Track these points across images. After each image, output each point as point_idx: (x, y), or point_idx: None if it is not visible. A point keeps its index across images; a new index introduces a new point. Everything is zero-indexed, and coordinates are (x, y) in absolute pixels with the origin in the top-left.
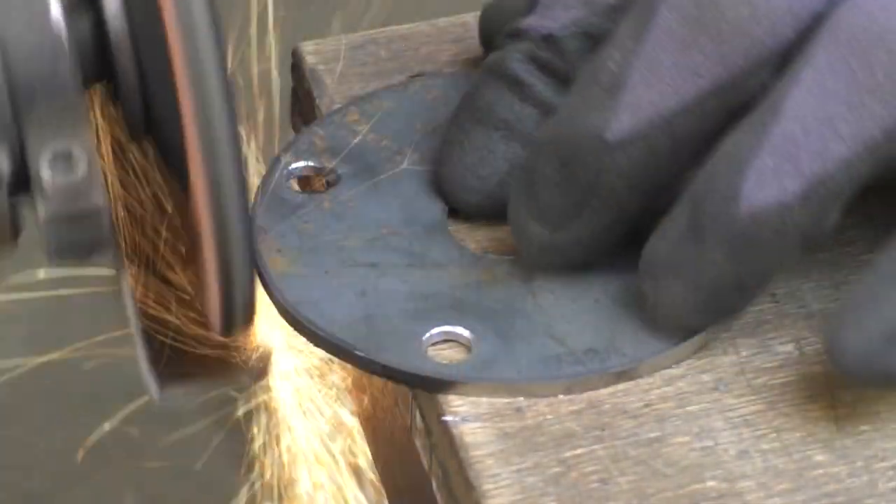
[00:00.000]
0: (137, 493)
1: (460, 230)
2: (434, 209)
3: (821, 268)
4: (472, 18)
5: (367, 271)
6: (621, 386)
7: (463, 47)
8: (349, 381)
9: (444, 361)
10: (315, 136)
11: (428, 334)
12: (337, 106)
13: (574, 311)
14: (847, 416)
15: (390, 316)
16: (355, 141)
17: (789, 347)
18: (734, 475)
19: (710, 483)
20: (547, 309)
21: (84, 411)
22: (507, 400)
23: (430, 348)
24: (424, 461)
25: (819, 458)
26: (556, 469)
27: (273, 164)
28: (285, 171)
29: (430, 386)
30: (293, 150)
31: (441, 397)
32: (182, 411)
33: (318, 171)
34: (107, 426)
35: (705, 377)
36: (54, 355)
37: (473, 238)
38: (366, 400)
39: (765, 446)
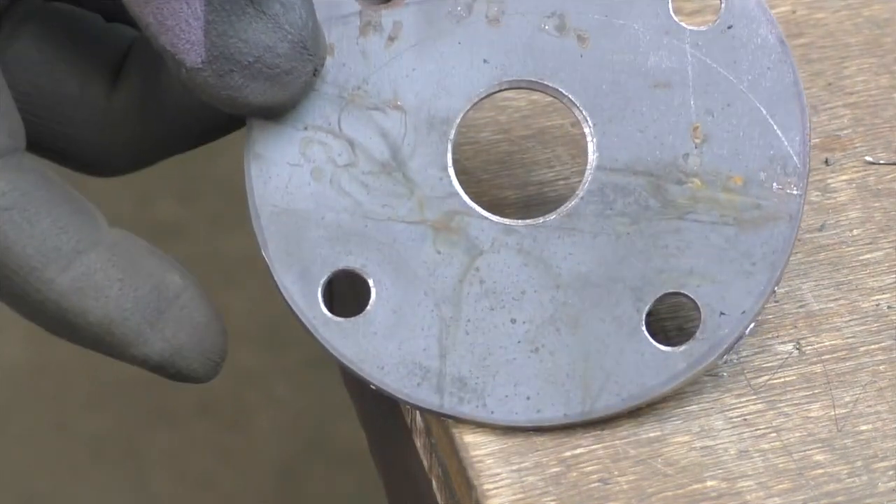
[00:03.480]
0: (137, 493)
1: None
2: (455, 102)
3: (821, 268)
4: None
5: (341, 146)
6: None
7: None
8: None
9: (335, 314)
10: None
11: (332, 271)
12: None
13: (488, 327)
14: (847, 416)
15: (315, 227)
16: None
17: (789, 347)
18: (734, 475)
19: (710, 483)
20: (463, 307)
21: (84, 411)
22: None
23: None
24: (424, 461)
25: (819, 458)
26: (556, 469)
27: None
28: None
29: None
30: None
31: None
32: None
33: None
34: (107, 426)
35: (705, 377)
36: (54, 355)
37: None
38: (365, 399)
39: (765, 446)
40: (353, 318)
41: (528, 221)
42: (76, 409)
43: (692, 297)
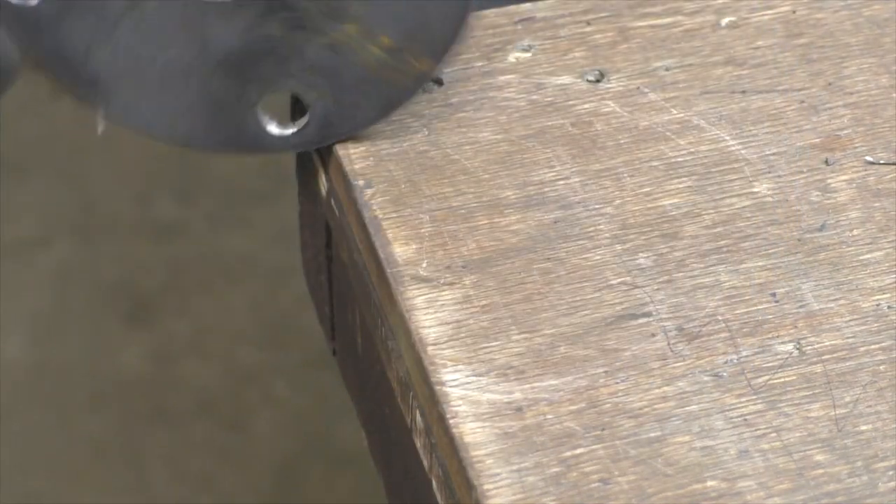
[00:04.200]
0: (137, 493)
1: None
2: None
3: (821, 268)
4: (471, 18)
5: None
6: (621, 385)
7: (463, 47)
8: None
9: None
10: None
11: None
12: None
13: (133, 54)
14: (847, 416)
15: None
16: None
17: (789, 347)
18: (734, 475)
19: (710, 483)
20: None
21: (84, 411)
22: (500, 396)
23: None
24: (424, 461)
25: (819, 458)
26: (556, 469)
27: None
28: None
29: None
30: None
31: (440, 393)
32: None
33: None
34: (107, 426)
35: (705, 377)
36: (55, 355)
37: None
38: (366, 398)
39: (765, 446)
40: (27, 4)
41: None
42: (76, 409)
43: (308, 102)
